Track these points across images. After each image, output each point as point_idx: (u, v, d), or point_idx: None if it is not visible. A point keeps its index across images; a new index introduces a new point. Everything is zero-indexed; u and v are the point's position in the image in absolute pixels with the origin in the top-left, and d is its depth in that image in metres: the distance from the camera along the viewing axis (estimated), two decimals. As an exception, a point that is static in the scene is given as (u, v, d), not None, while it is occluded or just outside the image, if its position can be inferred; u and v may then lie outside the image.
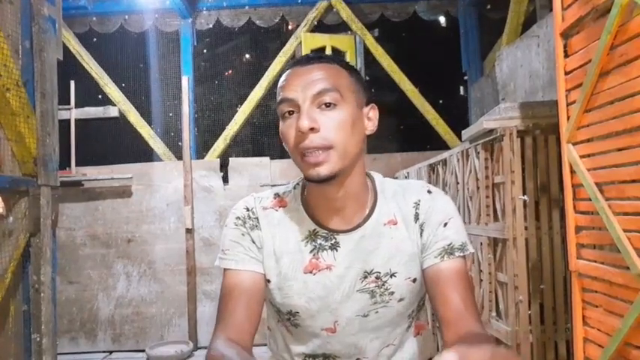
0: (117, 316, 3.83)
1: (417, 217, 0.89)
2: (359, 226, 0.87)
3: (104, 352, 3.81)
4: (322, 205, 0.87)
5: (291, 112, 0.81)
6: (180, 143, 3.96)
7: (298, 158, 0.81)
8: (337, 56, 0.88)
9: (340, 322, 0.88)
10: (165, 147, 4.17)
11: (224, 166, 3.97)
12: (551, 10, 1.61)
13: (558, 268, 1.76)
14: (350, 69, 0.86)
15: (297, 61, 0.86)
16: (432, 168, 2.75)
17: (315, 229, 0.88)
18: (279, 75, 4.15)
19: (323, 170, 0.79)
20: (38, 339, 2.07)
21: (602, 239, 1.28)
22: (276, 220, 0.90)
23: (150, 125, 4.19)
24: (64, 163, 3.55)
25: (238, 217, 0.91)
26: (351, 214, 0.87)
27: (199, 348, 3.74)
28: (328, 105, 0.80)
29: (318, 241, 0.88)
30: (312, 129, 0.78)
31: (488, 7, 4.02)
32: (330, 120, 0.79)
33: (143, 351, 3.64)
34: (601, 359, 1.27)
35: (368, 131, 0.87)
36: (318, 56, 0.86)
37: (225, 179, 3.94)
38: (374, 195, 0.91)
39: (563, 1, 1.41)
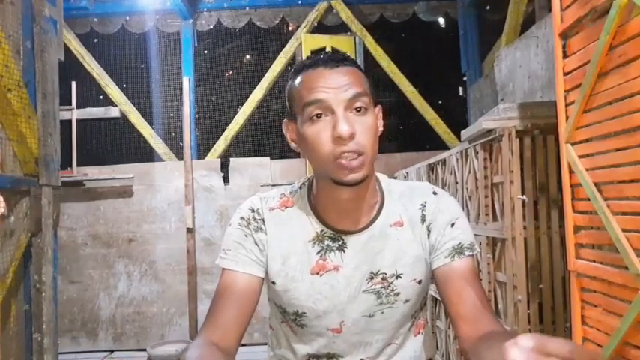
0: (118, 316, 3.84)
1: (423, 219, 0.90)
2: (367, 227, 0.88)
3: (105, 351, 3.81)
4: (332, 207, 0.87)
5: (319, 115, 0.79)
6: (181, 143, 3.97)
7: (330, 163, 0.79)
8: (351, 58, 0.87)
9: (346, 322, 0.88)
10: (166, 147, 4.18)
11: (225, 167, 3.98)
12: (550, 10, 1.62)
13: (557, 268, 1.76)
14: (363, 71, 0.86)
15: (319, 61, 0.83)
16: (432, 168, 2.76)
17: (322, 230, 0.88)
18: (280, 75, 4.11)
19: (359, 176, 0.79)
20: (39, 338, 2.08)
21: (600, 239, 1.29)
22: (282, 220, 0.90)
23: (151, 126, 4.20)
24: (66, 164, 3.56)
25: (242, 218, 0.90)
26: (359, 216, 0.88)
27: (200, 348, 3.74)
28: (359, 110, 0.80)
29: (326, 242, 0.87)
30: (351, 135, 0.77)
31: (488, 8, 4.03)
32: (363, 126, 0.79)
33: (144, 350, 3.65)
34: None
35: (379, 132, 0.87)
36: (342, 58, 0.84)
37: (226, 179, 3.95)
38: (381, 196, 0.91)
39: (562, 1, 1.41)
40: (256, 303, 0.87)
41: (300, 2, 4.16)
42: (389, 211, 0.90)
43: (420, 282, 0.89)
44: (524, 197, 1.73)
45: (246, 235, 0.88)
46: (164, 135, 4.24)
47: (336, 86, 0.79)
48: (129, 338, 3.83)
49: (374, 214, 0.89)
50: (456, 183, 2.32)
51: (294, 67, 0.88)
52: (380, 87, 4.16)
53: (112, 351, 3.82)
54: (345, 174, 0.79)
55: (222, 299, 0.84)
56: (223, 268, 0.88)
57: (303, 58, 3.85)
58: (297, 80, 0.84)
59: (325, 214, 0.88)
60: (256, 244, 0.88)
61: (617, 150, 1.20)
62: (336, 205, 0.86)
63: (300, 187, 0.94)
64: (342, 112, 0.78)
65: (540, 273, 1.76)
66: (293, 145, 0.88)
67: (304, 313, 0.88)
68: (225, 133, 4.15)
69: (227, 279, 0.86)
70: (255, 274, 0.87)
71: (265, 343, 1.05)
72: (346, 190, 0.83)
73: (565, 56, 1.42)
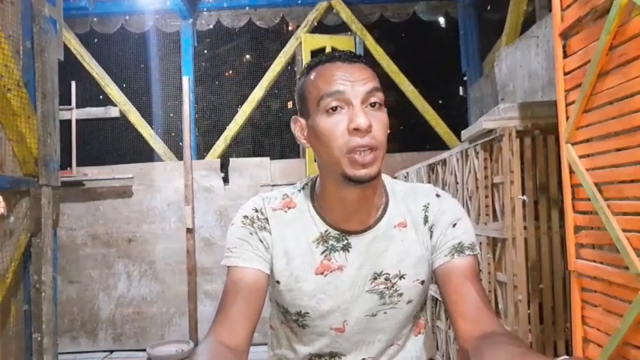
0: (118, 316, 3.84)
1: (426, 220, 0.90)
2: (371, 227, 0.88)
3: (105, 351, 3.81)
4: (337, 207, 0.86)
5: (335, 108, 0.79)
6: (180, 143, 3.97)
7: (344, 157, 0.79)
8: (366, 59, 0.88)
9: (349, 322, 0.88)
10: (166, 147, 4.17)
11: (224, 167, 3.98)
12: (550, 10, 1.61)
13: (557, 268, 1.76)
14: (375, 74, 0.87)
15: (336, 56, 0.84)
16: (432, 168, 2.76)
17: (327, 230, 0.88)
18: (280, 75, 4.09)
19: (372, 170, 0.79)
20: (39, 338, 2.08)
21: (601, 239, 1.29)
22: (285, 221, 0.89)
23: (150, 125, 4.19)
24: (65, 163, 3.56)
25: (246, 217, 0.90)
26: (364, 216, 0.87)
27: (200, 348, 3.74)
28: (374, 105, 0.80)
29: (330, 242, 0.87)
30: (368, 127, 0.77)
31: (488, 7, 4.03)
32: (378, 121, 0.80)
33: (144, 350, 3.64)
34: (600, 359, 1.27)
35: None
36: (358, 55, 0.85)
37: (226, 179, 3.95)
38: (385, 197, 0.91)
39: (563, 1, 1.41)
40: (264, 299, 0.86)
41: (300, 2, 4.16)
42: (393, 212, 0.90)
43: (422, 282, 0.89)
44: (525, 197, 1.72)
45: (251, 233, 0.88)
46: (164, 135, 4.24)
47: (353, 80, 0.79)
48: (128, 338, 3.83)
49: (378, 215, 0.89)
50: (457, 183, 2.32)
51: (308, 63, 0.87)
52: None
53: (111, 351, 3.82)
54: (358, 169, 0.78)
55: (230, 296, 0.83)
56: (230, 267, 0.86)
57: (303, 57, 3.86)
58: (313, 74, 0.83)
59: (330, 214, 0.88)
60: (261, 241, 0.88)
61: (618, 150, 1.20)
62: (343, 206, 0.86)
63: (303, 188, 0.93)
64: (359, 105, 0.78)
65: (541, 273, 1.76)
66: (302, 141, 0.87)
67: (307, 313, 0.88)
68: (225, 133, 4.15)
69: (234, 276, 0.85)
70: (262, 269, 0.86)
71: (265, 344, 1.05)
72: (354, 189, 0.83)
73: (565, 56, 1.42)
